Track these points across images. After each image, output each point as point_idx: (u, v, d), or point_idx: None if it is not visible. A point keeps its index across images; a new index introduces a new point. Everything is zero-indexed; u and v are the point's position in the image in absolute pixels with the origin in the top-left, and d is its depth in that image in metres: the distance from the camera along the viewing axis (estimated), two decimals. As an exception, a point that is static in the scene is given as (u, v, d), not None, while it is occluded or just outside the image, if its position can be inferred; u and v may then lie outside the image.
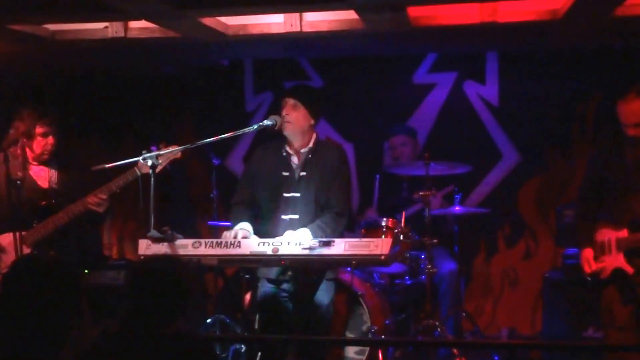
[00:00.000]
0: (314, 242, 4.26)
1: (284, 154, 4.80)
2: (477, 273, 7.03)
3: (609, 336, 4.67)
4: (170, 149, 4.61)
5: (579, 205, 4.89)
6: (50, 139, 4.99)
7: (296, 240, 4.32)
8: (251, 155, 5.10)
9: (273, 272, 4.71)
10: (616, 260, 4.55)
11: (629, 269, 4.51)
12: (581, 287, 5.48)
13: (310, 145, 4.79)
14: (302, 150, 4.78)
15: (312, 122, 4.79)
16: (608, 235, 4.60)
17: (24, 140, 4.93)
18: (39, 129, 4.94)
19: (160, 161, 4.51)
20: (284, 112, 4.74)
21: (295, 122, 4.72)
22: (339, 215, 4.71)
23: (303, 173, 4.74)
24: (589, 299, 5.46)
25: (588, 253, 4.66)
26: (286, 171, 4.77)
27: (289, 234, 4.47)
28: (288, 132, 4.76)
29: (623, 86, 4.72)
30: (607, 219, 4.64)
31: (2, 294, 2.78)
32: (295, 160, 4.79)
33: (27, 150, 4.97)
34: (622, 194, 4.60)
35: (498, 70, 6.95)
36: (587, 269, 4.66)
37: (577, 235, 4.83)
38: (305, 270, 4.52)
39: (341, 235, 4.65)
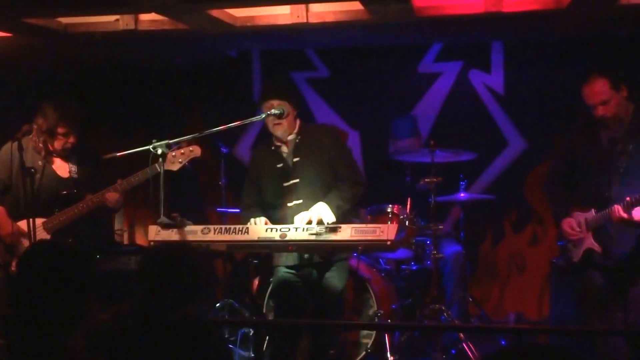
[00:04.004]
0: (321, 228, 4.33)
1: (273, 147, 4.88)
2: (484, 259, 7.05)
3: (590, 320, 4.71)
4: (179, 139, 4.64)
5: (550, 188, 4.98)
6: (71, 138, 5.04)
7: (310, 217, 4.44)
8: (250, 159, 5.18)
9: (291, 258, 4.75)
10: (587, 241, 4.60)
11: (598, 248, 4.55)
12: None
13: (296, 131, 4.85)
14: (290, 138, 4.84)
15: (296, 112, 4.86)
16: (578, 217, 4.65)
17: (46, 136, 4.99)
18: (60, 129, 4.98)
19: (174, 154, 4.60)
20: (271, 116, 4.73)
21: (285, 121, 4.77)
22: (354, 182, 4.78)
23: (296, 159, 4.80)
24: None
25: (568, 221, 4.69)
26: (280, 163, 4.84)
27: (299, 217, 4.51)
28: (281, 131, 4.80)
29: (627, 73, 4.76)
30: (577, 203, 4.69)
31: (16, 276, 2.81)
32: (285, 149, 4.86)
33: (49, 144, 5.03)
34: (593, 175, 4.64)
35: (503, 59, 6.94)
36: (572, 234, 4.66)
37: (554, 213, 4.95)
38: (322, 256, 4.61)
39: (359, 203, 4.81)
